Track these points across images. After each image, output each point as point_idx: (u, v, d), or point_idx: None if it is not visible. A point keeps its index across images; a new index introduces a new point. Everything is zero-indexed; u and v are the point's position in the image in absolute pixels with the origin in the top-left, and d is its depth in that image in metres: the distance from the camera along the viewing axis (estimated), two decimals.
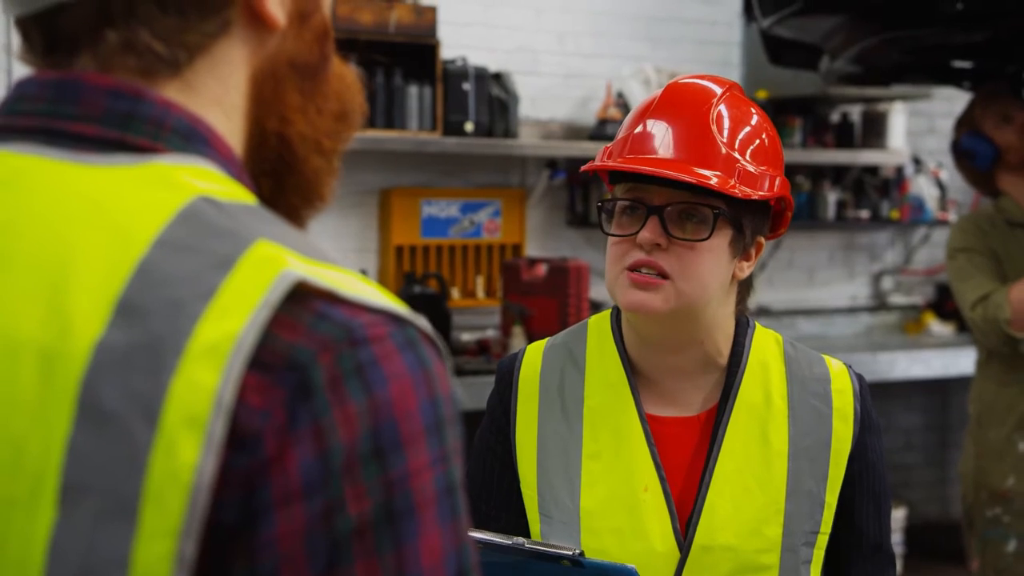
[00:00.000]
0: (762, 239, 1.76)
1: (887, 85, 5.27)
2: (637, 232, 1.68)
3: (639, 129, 1.72)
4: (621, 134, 1.75)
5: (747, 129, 1.73)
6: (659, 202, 1.68)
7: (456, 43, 5.18)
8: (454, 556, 0.78)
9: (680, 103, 1.73)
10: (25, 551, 0.73)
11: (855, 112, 6.16)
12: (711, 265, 1.68)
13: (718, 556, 1.68)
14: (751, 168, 1.69)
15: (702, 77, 1.81)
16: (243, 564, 0.74)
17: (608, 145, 1.78)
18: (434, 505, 0.77)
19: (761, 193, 1.69)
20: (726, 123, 1.71)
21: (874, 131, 6.06)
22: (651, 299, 1.67)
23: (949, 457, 6.73)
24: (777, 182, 1.72)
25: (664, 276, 1.67)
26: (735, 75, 5.98)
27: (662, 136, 1.70)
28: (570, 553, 1.53)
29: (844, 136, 6.02)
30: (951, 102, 6.46)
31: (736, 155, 1.69)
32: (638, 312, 1.69)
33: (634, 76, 5.45)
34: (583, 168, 1.77)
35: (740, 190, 1.66)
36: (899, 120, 6.06)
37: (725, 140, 1.69)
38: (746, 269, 1.75)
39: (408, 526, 0.76)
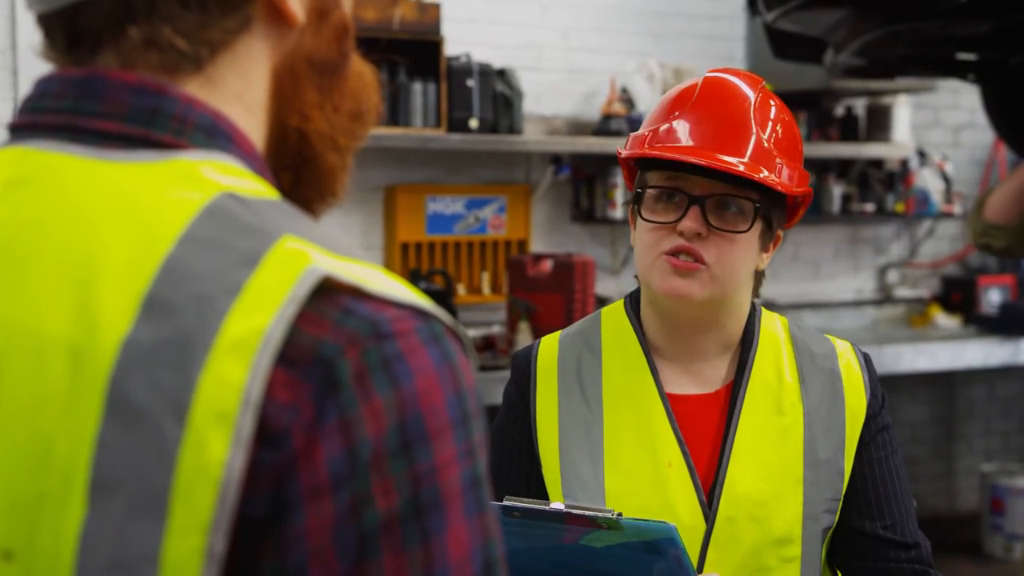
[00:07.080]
0: (780, 232, 1.82)
1: (891, 78, 5.27)
2: (678, 220, 1.72)
3: (678, 119, 1.76)
4: (655, 123, 1.78)
5: (780, 126, 1.79)
6: (700, 192, 1.72)
7: (460, 39, 5.18)
8: (481, 549, 0.78)
9: (720, 97, 1.78)
10: (56, 546, 0.74)
11: (859, 105, 6.15)
12: (744, 256, 1.75)
13: (742, 526, 1.72)
14: (786, 164, 1.75)
15: (734, 73, 1.85)
16: (272, 558, 0.74)
17: (639, 132, 1.80)
18: (461, 499, 0.77)
19: (799, 189, 1.76)
20: (766, 120, 1.77)
21: (879, 124, 6.05)
22: (689, 285, 1.72)
23: (956, 450, 6.72)
24: (801, 177, 1.79)
25: (701, 262, 1.72)
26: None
27: (705, 128, 1.74)
28: (609, 515, 1.55)
29: (849, 129, 6.01)
30: (956, 94, 6.47)
31: (775, 151, 1.75)
32: (675, 298, 1.74)
33: (638, 71, 5.44)
34: (625, 154, 1.79)
35: (785, 186, 1.73)
36: (904, 113, 6.05)
37: (766, 136, 1.75)
38: (765, 260, 1.81)
39: (435, 520, 0.76)
